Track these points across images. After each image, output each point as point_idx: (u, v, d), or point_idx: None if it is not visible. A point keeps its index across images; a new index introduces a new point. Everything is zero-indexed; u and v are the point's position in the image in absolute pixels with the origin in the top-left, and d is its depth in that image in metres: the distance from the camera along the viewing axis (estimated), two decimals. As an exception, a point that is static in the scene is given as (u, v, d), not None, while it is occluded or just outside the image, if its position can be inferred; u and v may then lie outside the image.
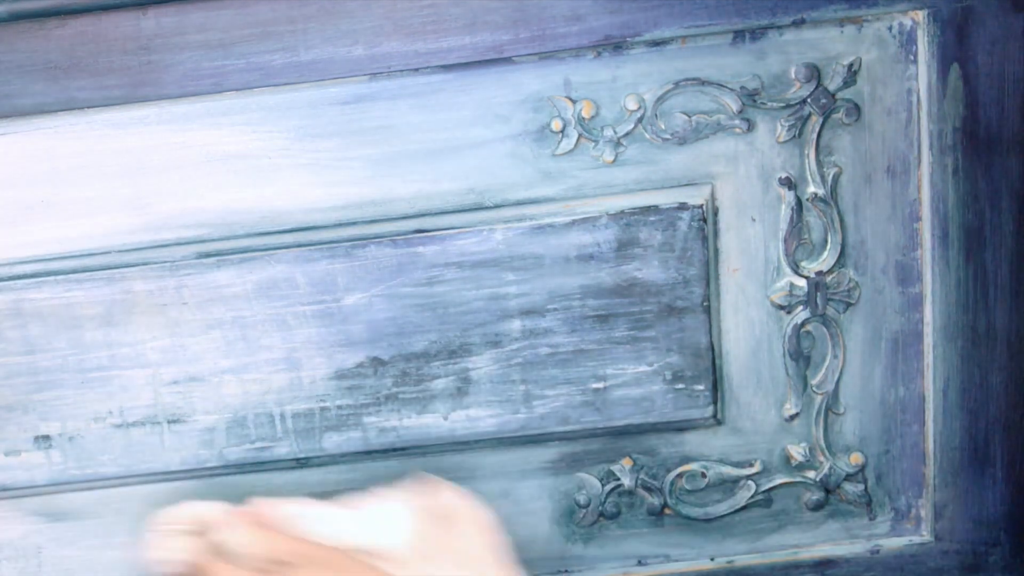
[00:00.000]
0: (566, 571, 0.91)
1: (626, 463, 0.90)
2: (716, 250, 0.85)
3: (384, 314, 0.86)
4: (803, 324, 0.87)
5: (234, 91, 0.81)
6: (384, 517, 0.76)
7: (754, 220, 0.85)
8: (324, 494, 0.90)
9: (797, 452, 0.89)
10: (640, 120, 0.83)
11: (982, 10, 0.81)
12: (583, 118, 0.83)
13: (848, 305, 0.87)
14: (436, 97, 0.82)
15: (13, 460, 0.88)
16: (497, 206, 0.84)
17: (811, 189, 0.84)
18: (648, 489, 0.90)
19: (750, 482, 0.90)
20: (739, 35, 0.81)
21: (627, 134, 0.83)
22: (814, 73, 0.82)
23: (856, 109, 0.83)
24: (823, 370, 0.88)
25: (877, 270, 0.86)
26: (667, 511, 0.90)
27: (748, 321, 0.87)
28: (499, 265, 0.85)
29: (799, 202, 0.85)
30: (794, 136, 0.83)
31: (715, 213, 0.85)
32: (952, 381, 0.88)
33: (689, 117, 0.83)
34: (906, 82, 0.83)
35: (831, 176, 0.84)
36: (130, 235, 0.84)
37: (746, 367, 0.88)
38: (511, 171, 0.84)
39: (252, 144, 0.83)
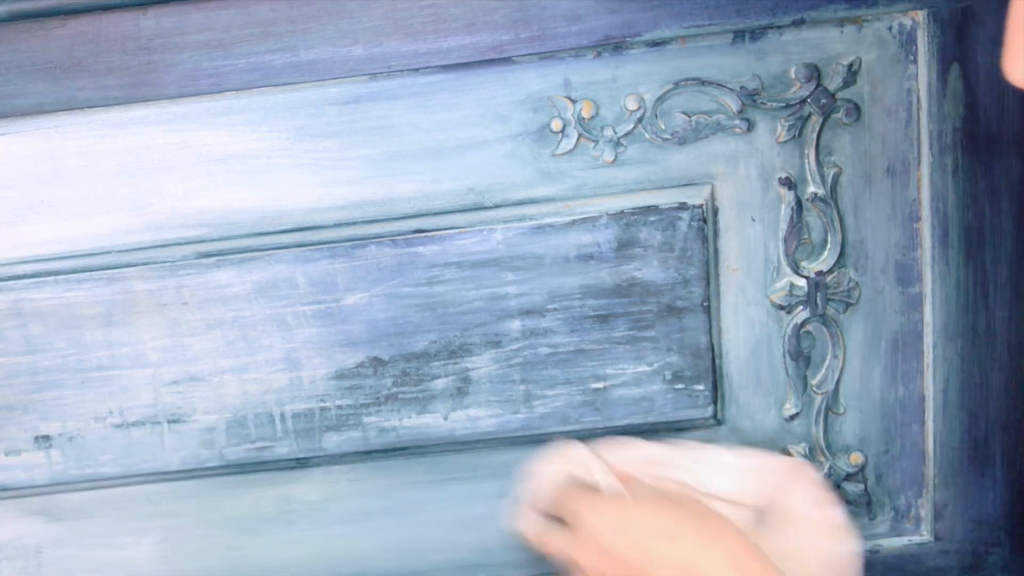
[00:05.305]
0: (566, 571, 0.91)
1: (626, 463, 0.89)
2: (716, 250, 0.85)
3: (384, 314, 0.86)
4: (803, 324, 0.87)
5: (234, 91, 0.81)
6: (736, 472, 0.79)
7: (754, 220, 0.85)
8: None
9: (797, 452, 0.89)
10: (640, 120, 0.83)
11: (982, 10, 0.81)
12: (583, 118, 0.83)
13: (848, 305, 0.87)
14: (436, 97, 0.82)
15: (13, 460, 0.88)
16: (497, 206, 0.84)
17: (811, 189, 0.84)
18: (648, 489, 0.90)
19: (750, 482, 0.90)
20: (739, 35, 0.81)
21: (627, 134, 0.83)
22: (814, 73, 0.82)
23: (856, 109, 0.83)
24: (823, 370, 0.88)
25: (877, 270, 0.86)
26: (667, 511, 0.90)
27: (748, 321, 0.87)
28: (499, 265, 0.85)
29: (799, 202, 0.85)
30: (794, 136, 0.83)
31: (715, 213, 0.85)
32: (952, 381, 0.88)
33: (689, 117, 0.83)
34: (906, 82, 0.83)
35: (831, 176, 0.84)
36: (130, 235, 0.84)
37: (746, 367, 0.88)
38: (511, 171, 0.84)
39: (252, 144, 0.83)
